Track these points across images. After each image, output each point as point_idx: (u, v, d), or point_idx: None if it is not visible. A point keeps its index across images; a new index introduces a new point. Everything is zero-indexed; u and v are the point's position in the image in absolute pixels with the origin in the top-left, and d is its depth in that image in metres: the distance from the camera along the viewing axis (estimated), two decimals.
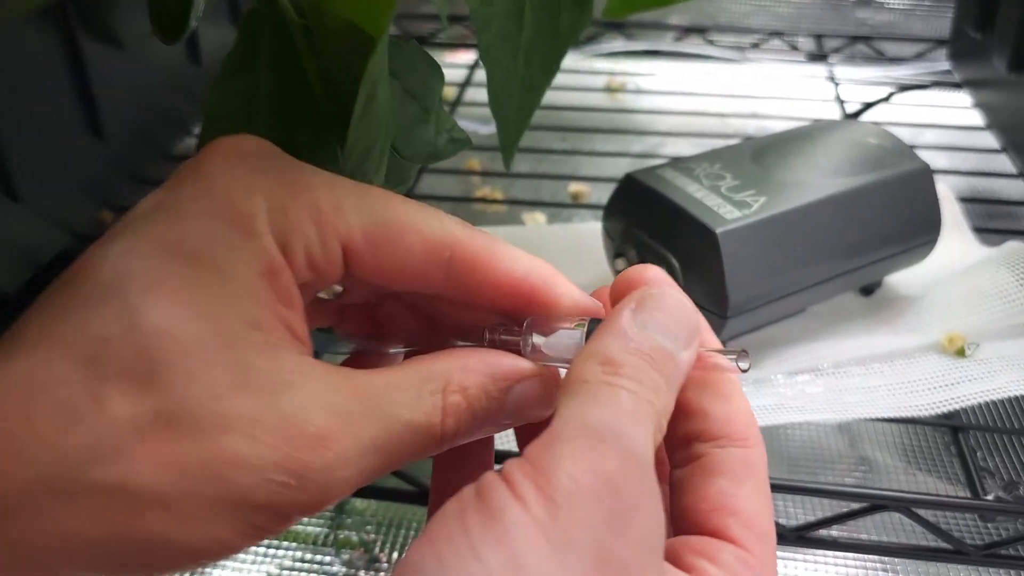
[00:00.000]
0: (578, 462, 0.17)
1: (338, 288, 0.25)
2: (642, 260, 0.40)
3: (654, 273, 0.22)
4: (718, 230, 0.36)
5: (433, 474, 0.27)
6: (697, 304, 0.38)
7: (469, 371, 0.21)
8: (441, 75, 0.29)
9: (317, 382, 0.19)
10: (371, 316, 0.25)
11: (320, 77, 0.28)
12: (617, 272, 0.42)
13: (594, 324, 0.21)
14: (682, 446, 0.22)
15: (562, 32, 0.32)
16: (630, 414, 0.18)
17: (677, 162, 0.42)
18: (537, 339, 0.22)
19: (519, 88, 0.32)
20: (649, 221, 0.39)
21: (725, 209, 0.38)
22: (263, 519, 0.19)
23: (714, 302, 0.37)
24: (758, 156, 0.42)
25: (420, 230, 0.21)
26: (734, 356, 0.21)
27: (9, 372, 0.18)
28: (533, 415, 0.22)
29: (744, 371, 0.21)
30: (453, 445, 0.21)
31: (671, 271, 0.38)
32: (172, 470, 0.18)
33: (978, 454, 0.43)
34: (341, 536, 0.41)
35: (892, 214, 0.41)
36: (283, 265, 0.20)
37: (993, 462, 0.44)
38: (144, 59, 0.51)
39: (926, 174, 0.43)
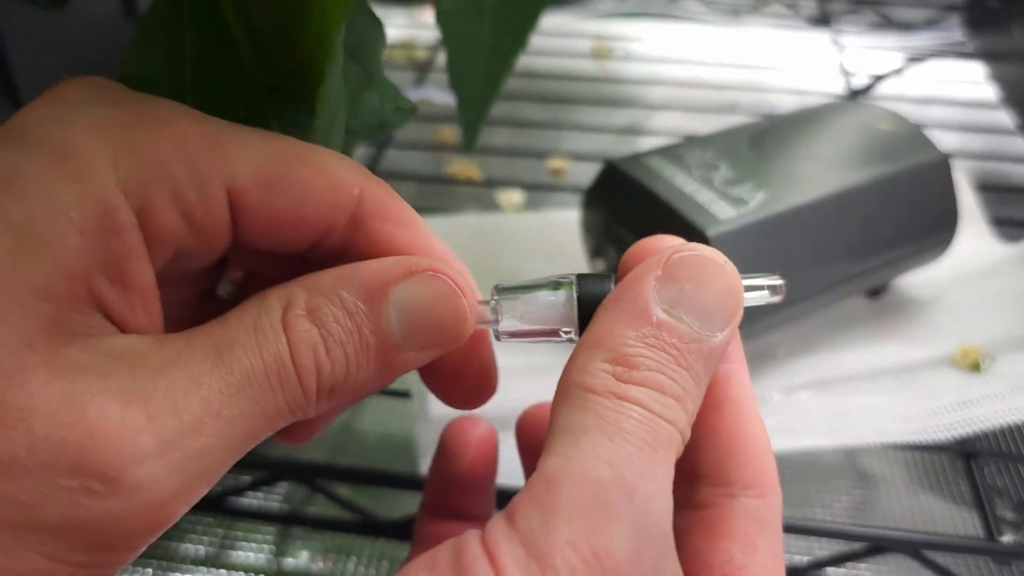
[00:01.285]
0: (580, 545, 0.13)
1: (237, 275, 0.19)
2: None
3: (676, 244, 0.17)
4: (710, 232, 0.32)
5: (418, 516, 0.23)
6: None
7: (318, 288, 0.16)
8: (383, 33, 0.24)
9: (126, 356, 0.14)
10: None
11: (248, 36, 0.22)
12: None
13: (585, 281, 0.17)
14: (679, 481, 0.16)
15: None
16: (647, 453, 0.14)
17: (665, 149, 0.37)
18: (507, 306, 0.17)
19: (485, 57, 0.28)
20: (632, 217, 0.35)
21: (718, 207, 0.33)
22: (71, 549, 0.14)
23: None
24: (757, 143, 0.37)
25: (319, 164, 0.17)
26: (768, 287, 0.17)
27: None
28: (442, 340, 0.17)
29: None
30: (338, 396, 0.16)
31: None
32: None
33: (986, 476, 0.39)
34: (285, 566, 0.37)
35: (905, 211, 0.37)
36: (125, 223, 0.15)
37: (1006, 486, 0.40)
38: (69, 17, 0.45)
39: (943, 166, 0.38)
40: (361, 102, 0.24)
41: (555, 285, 0.18)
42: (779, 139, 0.37)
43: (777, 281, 0.18)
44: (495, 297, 0.18)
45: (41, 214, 0.14)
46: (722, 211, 0.33)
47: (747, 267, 0.32)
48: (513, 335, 0.18)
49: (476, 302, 0.17)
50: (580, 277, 0.18)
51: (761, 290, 0.18)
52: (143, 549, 0.15)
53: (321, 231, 0.17)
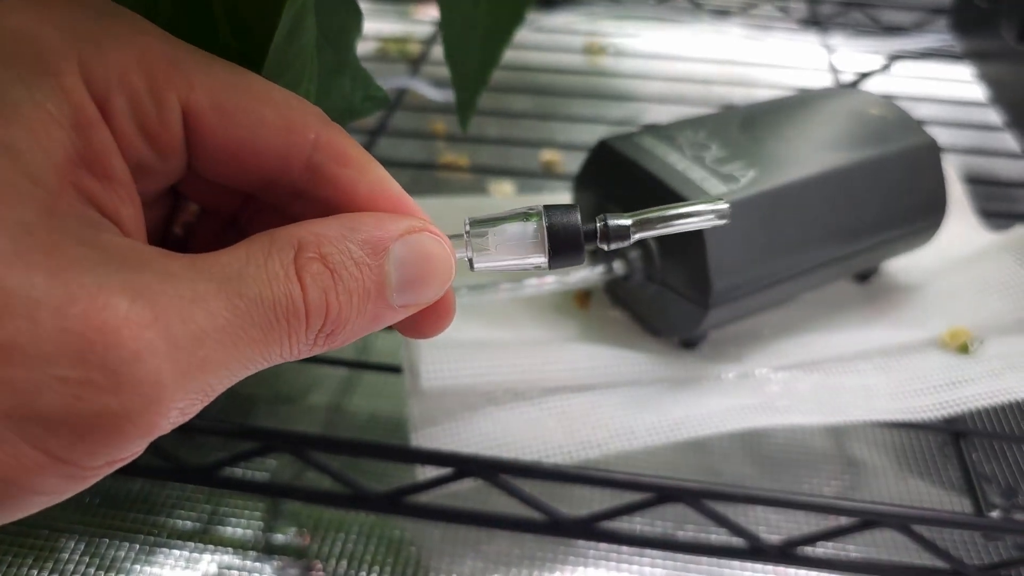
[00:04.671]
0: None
1: (194, 207, 0.20)
2: None
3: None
4: None
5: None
6: (675, 291, 0.33)
7: (327, 237, 0.16)
8: (360, 21, 0.24)
9: (127, 257, 0.15)
10: (222, 237, 0.20)
11: (225, 10, 0.23)
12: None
13: (552, 212, 0.19)
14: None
15: None
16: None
17: (657, 128, 0.37)
18: (478, 238, 0.19)
19: (480, 37, 0.28)
20: (623, 195, 0.35)
21: (709, 184, 0.33)
22: (64, 444, 0.14)
23: (695, 289, 0.33)
24: (748, 125, 0.38)
25: (278, 102, 0.17)
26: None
27: None
28: (430, 294, 0.18)
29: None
30: (357, 328, 0.17)
31: (647, 253, 0.34)
32: None
33: (974, 456, 0.39)
34: (274, 541, 0.37)
35: (894, 193, 0.37)
36: (97, 119, 0.15)
37: (993, 468, 0.40)
38: None
39: (932, 150, 0.38)
40: (333, 86, 0.24)
41: (524, 216, 0.18)
42: (771, 121, 0.38)
43: (722, 205, 0.19)
44: (467, 231, 0.18)
45: (21, 104, 0.14)
46: (713, 187, 0.33)
47: (738, 243, 0.33)
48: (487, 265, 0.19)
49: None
50: (547, 208, 0.18)
51: (707, 215, 0.19)
52: (132, 456, 0.15)
53: (275, 169, 0.17)
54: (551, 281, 0.34)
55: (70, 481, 0.15)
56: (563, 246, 0.19)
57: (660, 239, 0.33)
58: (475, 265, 0.19)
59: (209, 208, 0.20)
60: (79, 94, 0.15)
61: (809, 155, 0.36)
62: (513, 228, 0.18)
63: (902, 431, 0.42)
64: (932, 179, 0.38)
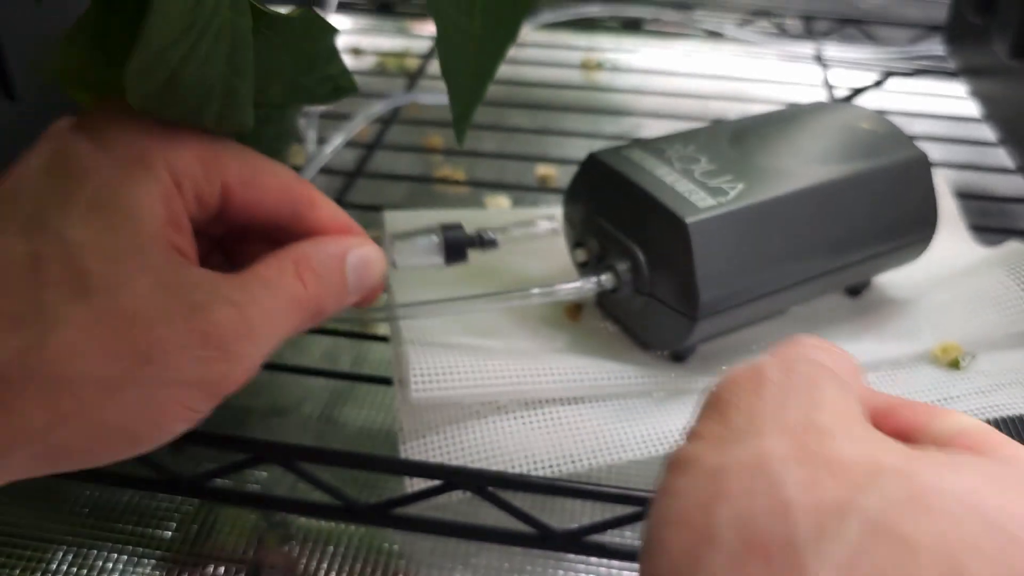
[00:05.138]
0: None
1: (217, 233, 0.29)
2: (604, 250, 0.35)
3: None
4: (688, 220, 0.32)
5: None
6: (663, 303, 0.33)
7: (309, 253, 0.26)
8: (327, 27, 0.27)
9: (212, 281, 0.23)
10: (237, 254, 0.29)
11: None
12: (577, 263, 0.38)
13: (447, 231, 0.32)
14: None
15: None
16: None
17: (647, 142, 0.37)
18: (399, 245, 0.31)
19: (474, 50, 0.28)
20: (613, 207, 0.35)
21: (697, 196, 0.33)
22: (197, 398, 0.23)
23: (682, 301, 0.33)
24: (738, 138, 0.38)
25: (275, 172, 0.26)
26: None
27: None
28: (373, 280, 0.28)
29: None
30: (328, 311, 0.26)
31: (635, 264, 0.34)
32: (111, 358, 0.21)
33: None
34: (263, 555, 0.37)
35: (885, 207, 0.37)
36: (176, 194, 0.24)
37: None
38: (63, 8, 0.46)
39: (923, 164, 0.38)
40: (317, 65, 0.28)
41: (428, 232, 0.32)
42: (760, 135, 0.38)
43: (553, 223, 0.32)
44: (392, 243, 0.31)
45: (137, 188, 0.23)
46: (701, 200, 0.33)
47: (726, 256, 0.33)
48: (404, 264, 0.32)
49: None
50: (444, 227, 0.32)
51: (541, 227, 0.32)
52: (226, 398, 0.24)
53: (274, 213, 0.27)
54: (541, 293, 0.34)
55: (188, 424, 0.24)
56: (452, 251, 0.32)
57: (646, 248, 0.33)
58: (397, 265, 0.31)
59: (203, 233, 0.27)
60: (166, 180, 0.24)
61: (798, 168, 0.36)
62: (422, 240, 0.31)
63: None
64: (922, 193, 0.39)
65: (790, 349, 0.21)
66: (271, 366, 0.37)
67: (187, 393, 0.23)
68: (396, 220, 0.43)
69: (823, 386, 0.18)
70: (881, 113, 0.41)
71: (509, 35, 0.29)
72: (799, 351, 0.21)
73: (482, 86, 0.29)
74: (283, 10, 0.26)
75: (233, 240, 0.28)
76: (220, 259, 0.29)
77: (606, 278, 0.34)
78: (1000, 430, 0.40)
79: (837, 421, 0.17)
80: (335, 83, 0.28)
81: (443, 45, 0.27)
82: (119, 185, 0.23)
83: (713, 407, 0.19)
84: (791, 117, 0.40)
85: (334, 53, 0.28)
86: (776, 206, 0.34)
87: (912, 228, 0.39)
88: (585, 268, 0.36)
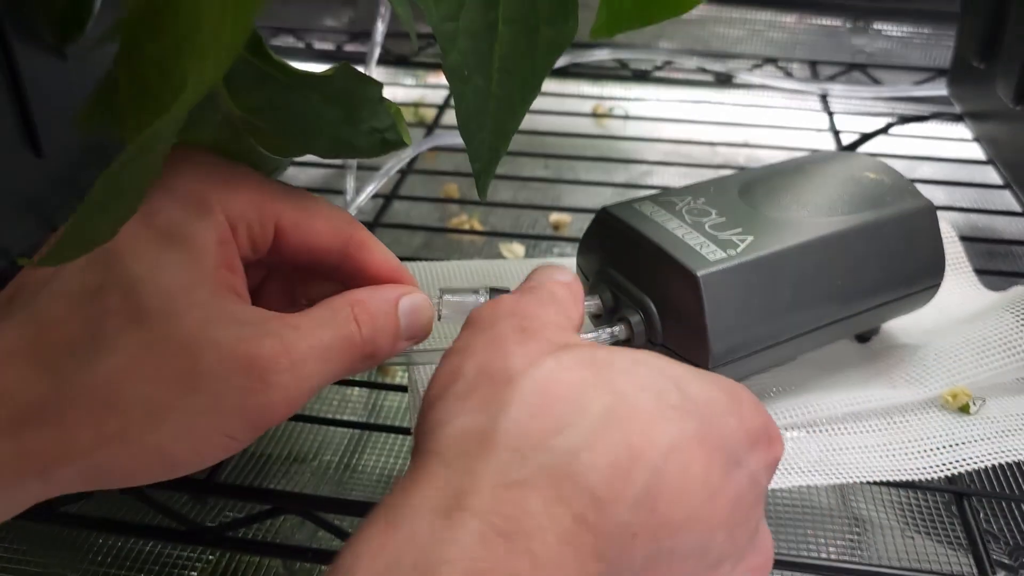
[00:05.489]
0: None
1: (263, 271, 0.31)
2: (616, 301, 0.36)
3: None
4: (699, 272, 0.33)
5: None
6: (676, 353, 0.34)
7: (364, 297, 0.27)
8: (368, 81, 0.28)
9: (261, 317, 0.25)
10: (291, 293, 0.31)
11: None
12: (590, 314, 0.38)
13: (493, 292, 0.32)
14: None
15: (541, 50, 0.29)
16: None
17: (658, 196, 0.38)
18: (448, 299, 0.32)
19: (493, 111, 0.29)
20: (625, 260, 0.36)
21: (708, 249, 0.34)
22: (236, 428, 0.24)
23: (694, 352, 0.34)
24: (746, 190, 0.39)
25: (327, 216, 0.28)
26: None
27: (16, 319, 0.23)
28: (423, 325, 0.29)
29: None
30: (382, 353, 0.27)
31: (648, 315, 0.35)
32: (157, 383, 0.23)
33: (981, 515, 0.39)
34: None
35: (892, 257, 0.38)
36: (231, 238, 0.26)
37: (998, 526, 0.40)
38: (88, 69, 0.47)
39: (929, 213, 0.39)
40: (362, 118, 0.28)
41: (474, 291, 0.32)
42: (768, 187, 0.39)
43: (486, 295, 0.32)
44: (440, 298, 0.31)
45: (197, 232, 0.25)
46: (712, 253, 0.34)
47: (736, 307, 0.34)
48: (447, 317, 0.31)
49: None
50: (492, 290, 0.32)
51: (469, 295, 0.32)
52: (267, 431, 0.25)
53: (324, 254, 0.28)
54: None
55: (226, 452, 0.25)
56: None
57: (658, 300, 0.34)
58: (441, 318, 0.31)
59: (280, 272, 0.31)
60: (222, 224, 0.25)
61: (806, 220, 0.37)
62: (467, 298, 0.32)
63: (905, 490, 0.42)
64: (929, 242, 0.39)
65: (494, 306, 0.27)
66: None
67: (227, 422, 0.24)
68: (417, 270, 0.44)
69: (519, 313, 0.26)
70: (886, 160, 0.42)
71: (527, 97, 0.30)
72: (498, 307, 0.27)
73: (502, 143, 0.30)
74: (324, 68, 0.27)
75: (294, 274, 0.30)
76: (278, 288, 0.31)
77: (619, 329, 0.35)
78: (1011, 475, 0.40)
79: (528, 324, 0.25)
80: (382, 136, 0.28)
81: (463, 110, 0.28)
82: (180, 226, 0.24)
83: (465, 327, 0.26)
84: (798, 168, 0.41)
85: (379, 107, 0.28)
86: (785, 257, 0.35)
87: (919, 276, 0.39)
88: (598, 319, 0.37)
